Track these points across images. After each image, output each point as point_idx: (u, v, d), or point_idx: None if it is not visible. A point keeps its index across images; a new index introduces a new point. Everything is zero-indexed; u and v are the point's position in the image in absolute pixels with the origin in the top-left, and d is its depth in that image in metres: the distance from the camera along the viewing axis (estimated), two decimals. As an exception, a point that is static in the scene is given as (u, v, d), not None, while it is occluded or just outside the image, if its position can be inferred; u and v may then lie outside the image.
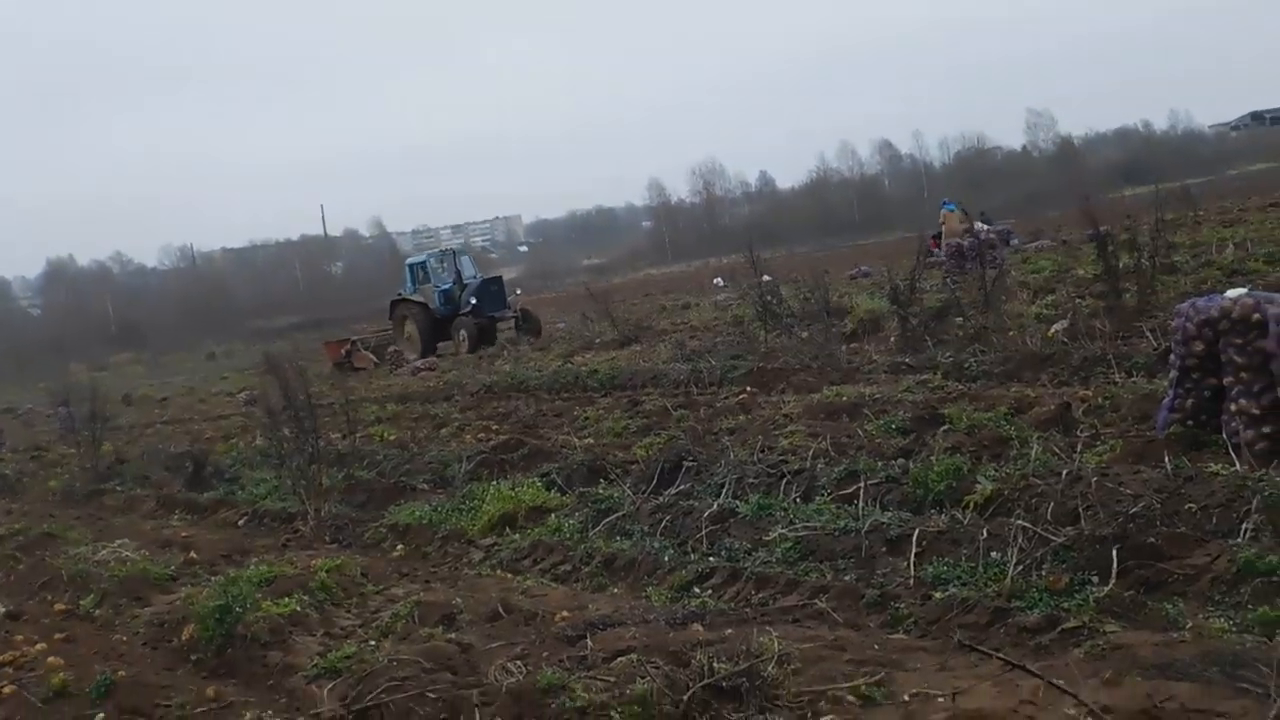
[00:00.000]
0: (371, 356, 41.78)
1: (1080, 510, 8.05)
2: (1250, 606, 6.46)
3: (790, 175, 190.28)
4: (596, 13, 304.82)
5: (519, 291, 46.82)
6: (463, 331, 40.49)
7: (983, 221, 34.01)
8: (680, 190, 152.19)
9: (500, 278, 46.03)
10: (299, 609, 9.06)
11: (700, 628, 7.54)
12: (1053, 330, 16.77)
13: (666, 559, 9.30)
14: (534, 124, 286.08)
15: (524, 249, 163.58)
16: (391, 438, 18.21)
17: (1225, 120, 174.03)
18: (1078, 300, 19.58)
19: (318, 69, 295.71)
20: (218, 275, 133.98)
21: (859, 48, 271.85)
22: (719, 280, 59.79)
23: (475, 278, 43.88)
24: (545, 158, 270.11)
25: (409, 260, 48.43)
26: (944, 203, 51.31)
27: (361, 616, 9.27)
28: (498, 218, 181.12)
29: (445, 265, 44.52)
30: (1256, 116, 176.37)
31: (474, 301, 41.20)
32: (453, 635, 7.99)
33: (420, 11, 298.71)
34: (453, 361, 35.92)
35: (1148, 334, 15.04)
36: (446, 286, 42.99)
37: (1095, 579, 7.06)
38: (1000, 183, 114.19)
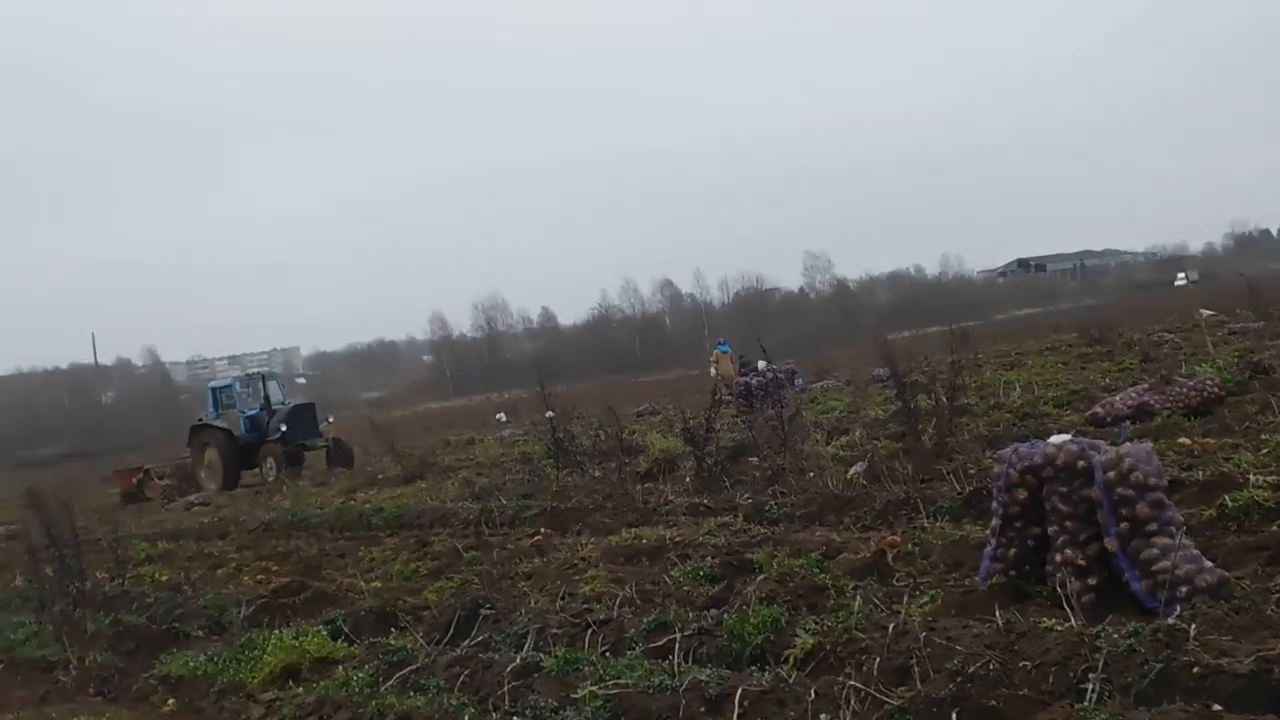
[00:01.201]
0: (168, 483, 39.89)
1: (912, 669, 7.62)
2: (1104, 776, 6.08)
3: (573, 312, 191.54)
4: (369, 141, 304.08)
5: (330, 419, 45.52)
6: (270, 459, 39.12)
7: (763, 360, 33.99)
8: (462, 324, 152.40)
9: (313, 405, 44.67)
10: (58, 774, 8.20)
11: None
12: (852, 472, 16.54)
13: (466, 718, 8.62)
14: (312, 253, 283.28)
15: (302, 381, 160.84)
16: (164, 578, 17.19)
17: (993, 267, 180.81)
18: (874, 441, 19.46)
19: (77, 185, 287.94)
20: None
21: (638, 184, 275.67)
22: (501, 415, 59.41)
23: (284, 404, 42.89)
24: (324, 289, 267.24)
25: (212, 384, 46.93)
26: (719, 343, 51.88)
27: (128, 783, 8.43)
28: (275, 349, 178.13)
29: (252, 390, 43.21)
30: (1023, 264, 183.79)
31: (284, 428, 39.97)
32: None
33: (190, 135, 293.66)
34: (228, 497, 34.65)
35: (949, 476, 14.88)
36: (253, 412, 41.74)
37: (935, 746, 6.64)
38: (779, 322, 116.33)
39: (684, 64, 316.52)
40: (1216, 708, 6.42)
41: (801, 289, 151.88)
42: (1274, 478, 11.65)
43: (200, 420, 43.25)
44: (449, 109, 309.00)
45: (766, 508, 15.22)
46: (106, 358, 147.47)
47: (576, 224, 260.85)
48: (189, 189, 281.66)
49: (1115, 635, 7.34)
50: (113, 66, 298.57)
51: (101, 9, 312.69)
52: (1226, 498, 10.82)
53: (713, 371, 48.84)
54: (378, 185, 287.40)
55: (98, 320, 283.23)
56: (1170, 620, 7.60)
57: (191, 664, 11.48)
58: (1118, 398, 19.06)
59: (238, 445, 40.86)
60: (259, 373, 46.26)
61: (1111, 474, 8.51)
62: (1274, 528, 10.03)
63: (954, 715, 6.71)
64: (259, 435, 40.94)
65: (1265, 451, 13.47)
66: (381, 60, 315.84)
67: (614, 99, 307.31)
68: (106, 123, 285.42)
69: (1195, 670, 6.83)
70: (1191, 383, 18.66)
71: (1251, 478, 11.60)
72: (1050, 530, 8.95)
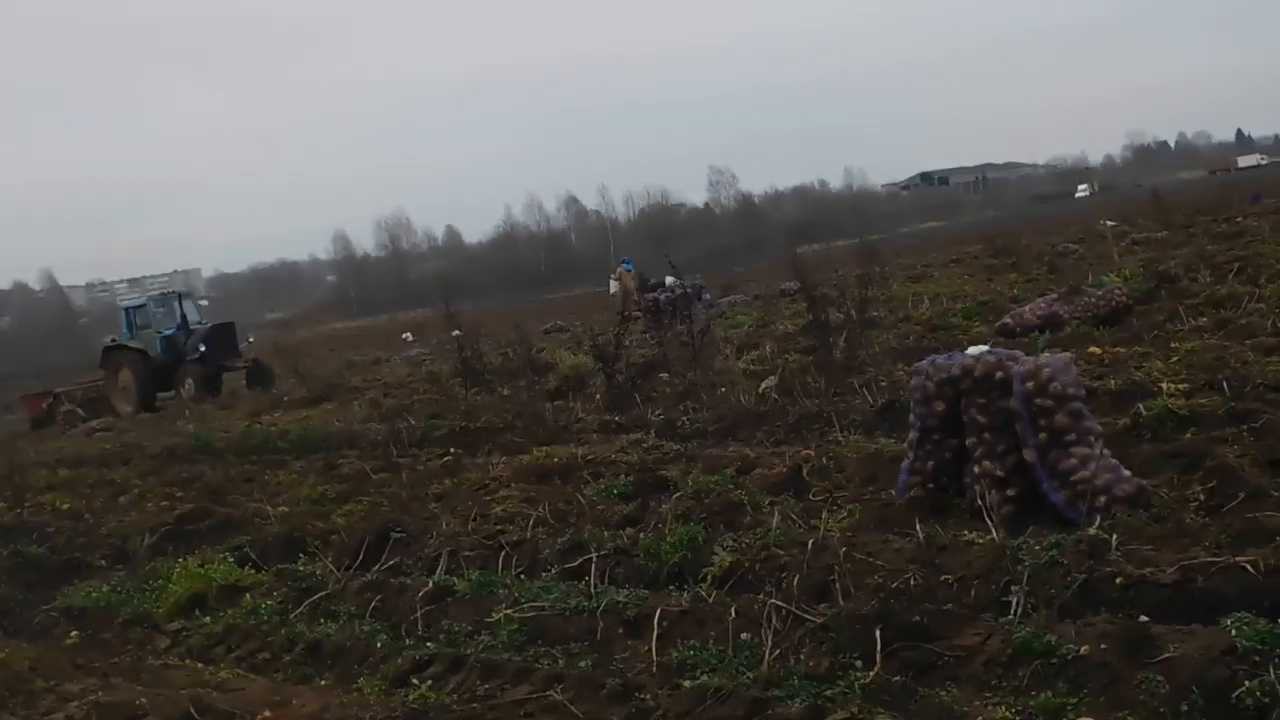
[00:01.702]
0: (77, 410, 38.42)
1: (833, 585, 7.51)
2: (1031, 692, 5.98)
3: (479, 231, 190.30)
4: (270, 62, 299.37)
5: (250, 340, 44.54)
6: (189, 380, 38.14)
7: (673, 277, 33.80)
8: (366, 244, 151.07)
9: (233, 324, 43.15)
10: (-47, 712, 7.93)
11: (424, 728, 6.76)
12: (764, 386, 16.41)
13: (379, 645, 8.43)
14: (210, 172, 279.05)
15: (204, 303, 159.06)
16: (65, 507, 16.73)
17: (896, 180, 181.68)
18: (785, 356, 19.36)
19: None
20: None
21: (543, 104, 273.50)
22: (408, 335, 58.92)
23: (202, 323, 41.57)
24: (224, 208, 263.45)
25: (125, 303, 45.44)
26: (623, 261, 51.69)
27: (29, 720, 8.16)
28: (176, 271, 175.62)
29: (167, 310, 41.70)
30: (925, 177, 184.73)
31: (203, 348, 38.92)
32: (138, 744, 7.02)
33: (89, 57, 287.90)
34: (130, 422, 34.01)
35: (861, 390, 14.79)
36: (170, 332, 40.31)
37: (859, 663, 6.52)
38: (685, 238, 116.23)
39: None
40: (1143, 618, 6.37)
41: (707, 204, 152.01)
42: (1186, 386, 11.68)
43: (113, 341, 41.91)
44: (352, 26, 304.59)
45: (679, 424, 15.12)
46: (3, 282, 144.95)
47: (481, 143, 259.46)
48: (87, 112, 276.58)
49: (1037, 547, 7.29)
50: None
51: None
52: (1140, 406, 10.81)
53: (613, 289, 48.75)
54: (278, 105, 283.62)
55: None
56: (1091, 531, 7.55)
57: (94, 595, 11.20)
58: (1027, 309, 19.10)
59: (153, 366, 39.59)
60: (175, 292, 44.74)
61: (1030, 384, 8.43)
62: (1187, 436, 10.04)
63: (878, 632, 6.60)
64: (175, 356, 39.72)
65: (1175, 360, 13.50)
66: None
67: (521, 13, 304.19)
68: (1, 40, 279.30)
69: (1118, 581, 6.81)
70: (1100, 292, 18.69)
71: (1164, 386, 11.61)
72: (968, 442, 8.86)
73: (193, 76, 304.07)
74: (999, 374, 8.64)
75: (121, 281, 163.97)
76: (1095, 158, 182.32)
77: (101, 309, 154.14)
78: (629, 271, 47.25)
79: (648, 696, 6.70)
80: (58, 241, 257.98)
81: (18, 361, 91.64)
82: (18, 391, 47.32)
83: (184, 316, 41.26)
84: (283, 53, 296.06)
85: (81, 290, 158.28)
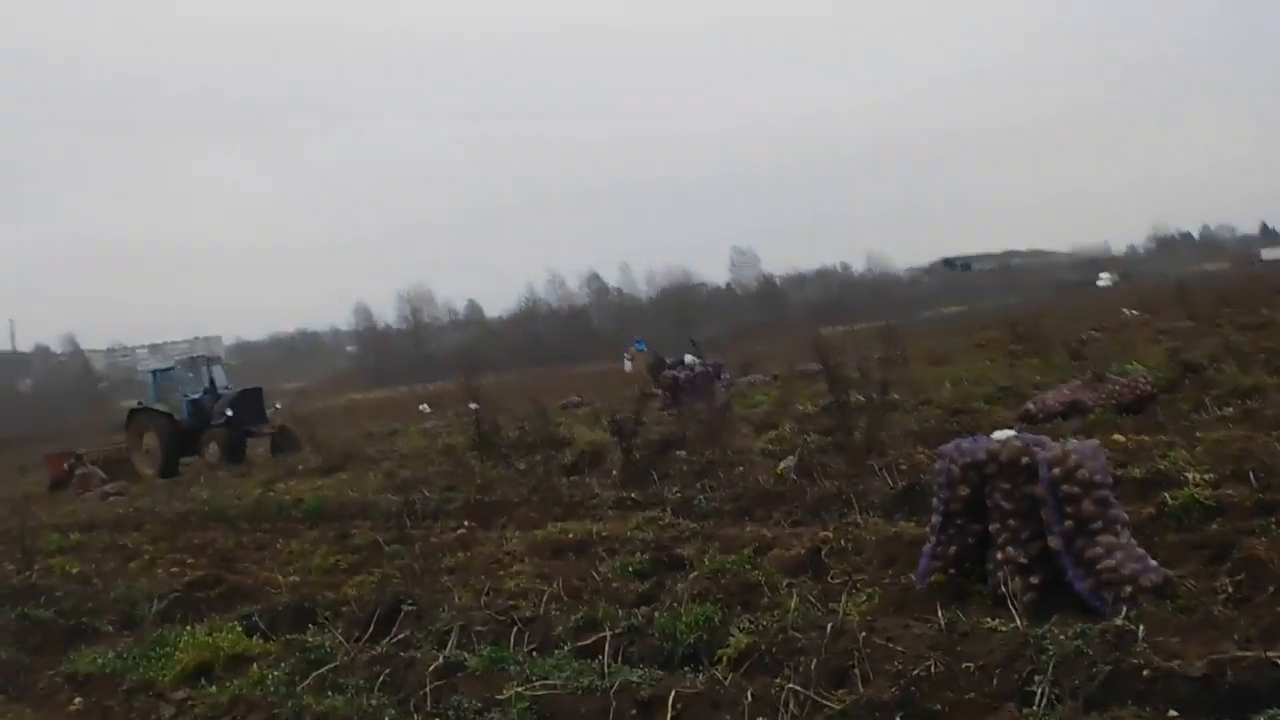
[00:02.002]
0: (98, 471, 38.03)
1: (852, 670, 7.33)
2: (1057, 786, 5.81)
3: (500, 305, 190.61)
4: (291, 132, 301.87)
5: (278, 406, 44.42)
6: (213, 444, 38.14)
7: (694, 354, 33.80)
8: (388, 316, 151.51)
9: (260, 390, 43.09)
10: (-48, 780, 7.77)
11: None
12: (782, 466, 16.29)
13: (387, 720, 8.28)
14: (231, 240, 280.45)
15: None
16: (74, 571, 16.63)
17: (919, 265, 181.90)
18: (804, 436, 19.21)
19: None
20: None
21: (566, 180, 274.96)
22: (425, 407, 58.90)
23: (229, 388, 41.49)
24: (246, 277, 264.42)
25: (152, 367, 45.92)
26: (636, 341, 51.88)
27: (29, 788, 8.01)
28: (197, 338, 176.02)
29: (196, 374, 41.93)
30: (948, 262, 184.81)
31: (229, 413, 38.97)
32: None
33: (106, 115, 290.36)
34: (145, 486, 33.94)
35: (881, 472, 14.63)
36: (197, 396, 40.64)
37: (878, 752, 6.35)
38: (706, 318, 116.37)
39: (611, 60, 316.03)
40: (1172, 713, 6.20)
41: (728, 285, 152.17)
42: (1212, 475, 11.50)
43: (139, 404, 42.01)
44: (378, 101, 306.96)
45: (695, 502, 14.98)
46: (25, 345, 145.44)
47: (504, 218, 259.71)
48: (109, 180, 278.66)
49: (1061, 636, 7.09)
50: (28, 56, 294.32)
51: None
52: (1167, 496, 10.62)
53: (627, 367, 48.88)
54: (300, 177, 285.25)
55: (16, 307, 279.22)
56: (1117, 621, 7.36)
57: (100, 661, 11.06)
58: (1050, 395, 18.93)
59: (179, 430, 39.80)
60: (204, 356, 45.16)
61: (1057, 471, 8.28)
62: (1213, 526, 9.85)
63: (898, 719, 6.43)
64: (202, 420, 39.86)
65: (1201, 449, 13.32)
66: (301, 55, 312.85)
67: (543, 93, 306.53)
68: (27, 111, 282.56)
69: (1145, 673, 6.61)
70: (1124, 380, 18.54)
71: (1190, 475, 11.43)
72: (992, 528, 8.70)
73: (218, 146, 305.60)
74: (1025, 459, 8.49)
75: (142, 347, 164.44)
76: (1118, 247, 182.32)
77: (121, 373, 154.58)
78: (640, 352, 47.43)
79: (661, 781, 6.55)
80: (79, 306, 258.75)
81: (39, 424, 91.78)
82: (39, 453, 47.26)
83: (212, 381, 41.32)
84: (308, 125, 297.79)
85: (102, 355, 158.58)
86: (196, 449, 39.21)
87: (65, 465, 40.36)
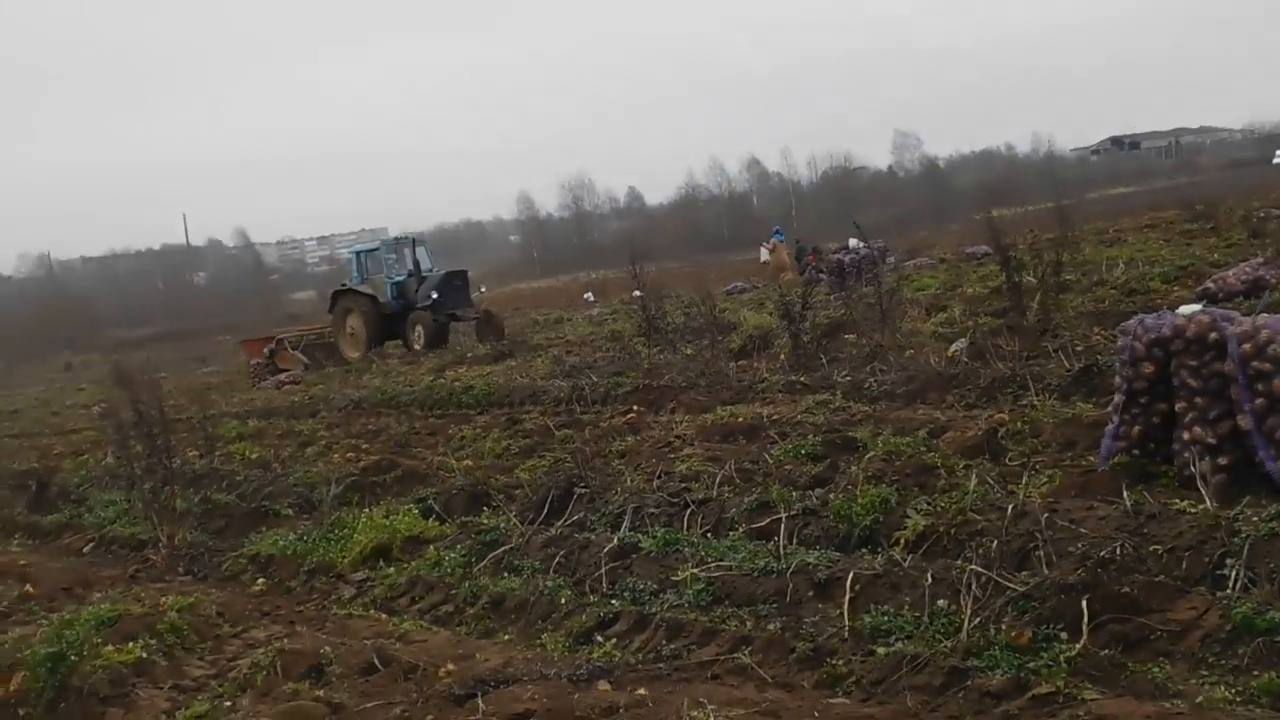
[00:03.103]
0: (301, 356, 38.39)
1: (1035, 553, 7.18)
2: (1253, 672, 5.63)
3: (660, 192, 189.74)
4: (457, 23, 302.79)
5: (483, 289, 43.09)
6: (419, 327, 36.73)
7: (857, 239, 33.31)
8: (549, 205, 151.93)
9: (465, 272, 40.85)
10: (145, 655, 7.96)
11: (608, 686, 6.62)
12: (953, 349, 16.03)
13: (563, 601, 8.30)
14: (398, 135, 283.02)
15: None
16: (253, 457, 16.99)
17: (1086, 145, 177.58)
18: (975, 318, 18.89)
19: (170, 74, 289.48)
20: (77, 284, 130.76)
21: (728, 65, 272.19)
22: (589, 295, 59.06)
23: (434, 270, 39.89)
24: (411, 173, 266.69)
25: (356, 248, 43.51)
26: (775, 230, 51.09)
27: (217, 665, 8.19)
28: (364, 229, 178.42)
29: (400, 255, 40.19)
30: (1116, 141, 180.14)
31: (435, 296, 37.34)
32: (321, 692, 6.97)
33: (271, 16, 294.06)
34: (319, 375, 34.44)
35: (1056, 354, 14.33)
36: (401, 278, 38.95)
37: (1064, 635, 6.20)
38: (869, 202, 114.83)
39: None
40: (1375, 594, 5.96)
41: (890, 168, 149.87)
42: None
43: (343, 285, 40.77)
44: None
45: (866, 385, 14.79)
46: (198, 239, 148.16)
47: (664, 104, 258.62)
48: (276, 77, 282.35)
49: (1255, 518, 6.88)
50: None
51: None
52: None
53: (764, 257, 48.24)
54: (466, 71, 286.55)
55: (189, 202, 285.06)
56: (1313, 502, 7.11)
57: (281, 543, 11.29)
58: (1230, 273, 18.38)
59: (382, 313, 38.36)
60: (409, 237, 42.40)
61: (1247, 346, 7.97)
62: None
63: (1084, 603, 6.28)
64: (406, 303, 38.33)
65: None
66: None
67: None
68: (192, 9, 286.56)
69: (1345, 553, 6.37)
70: (1310, 256, 17.93)
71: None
72: (1178, 407, 8.42)
73: (384, 41, 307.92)
74: (1213, 335, 8.19)
75: (311, 239, 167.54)
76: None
77: (291, 265, 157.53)
78: (780, 242, 46.74)
79: (840, 662, 6.50)
80: (250, 202, 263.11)
81: (211, 317, 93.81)
82: (214, 344, 47.97)
83: (416, 262, 39.73)
84: (473, 20, 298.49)
85: (273, 248, 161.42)
86: (400, 333, 37.92)
87: (265, 350, 39.94)
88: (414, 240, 41.62)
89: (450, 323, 37.80)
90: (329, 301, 41.36)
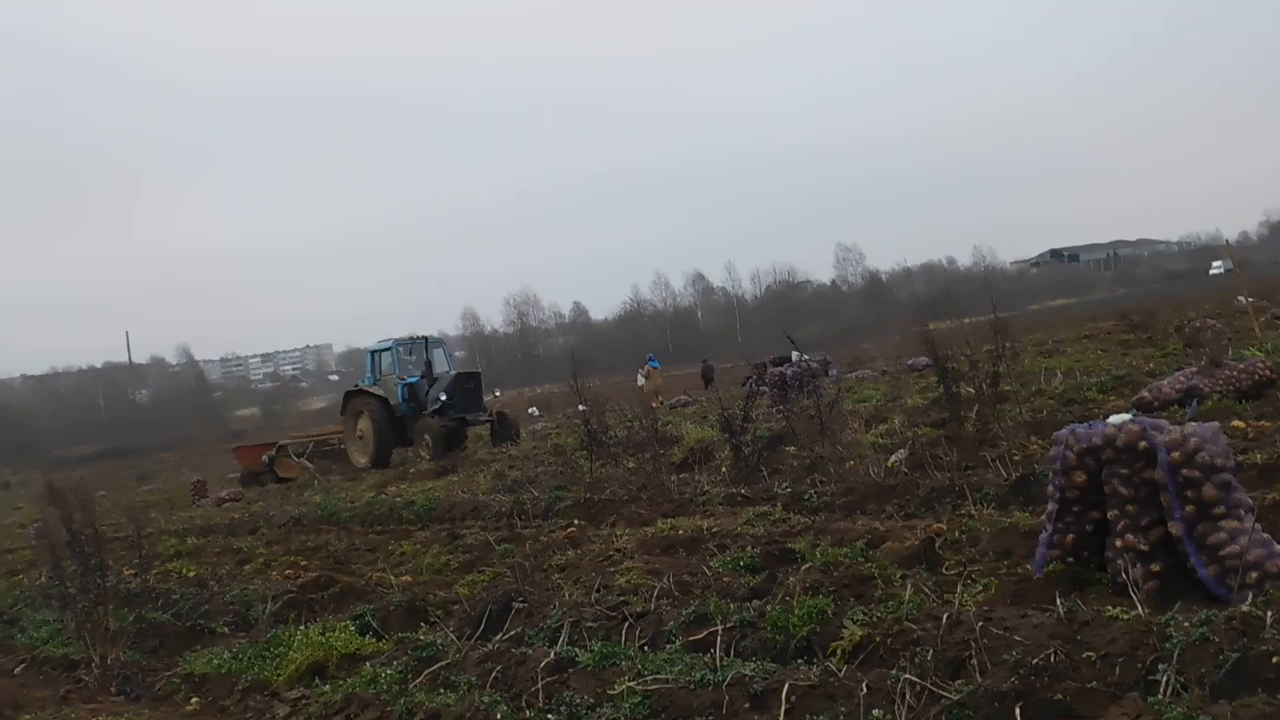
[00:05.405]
0: (307, 464, 37.42)
1: (969, 661, 7.19)
2: (1186, 777, 5.64)
3: (605, 307, 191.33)
4: (394, 141, 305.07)
5: (498, 393, 42.14)
6: (426, 436, 35.17)
7: (795, 350, 33.61)
8: (494, 320, 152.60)
9: (479, 374, 39.62)
10: (74, 778, 7.84)
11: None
12: (893, 460, 16.13)
13: (499, 716, 8.20)
14: (341, 248, 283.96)
15: (335, 378, 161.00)
16: (191, 574, 16.83)
17: (1026, 257, 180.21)
18: (915, 429, 19.02)
19: (109, 189, 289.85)
20: (17, 401, 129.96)
21: (674, 182, 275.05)
22: (534, 410, 59.17)
23: (448, 372, 38.82)
24: (353, 288, 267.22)
25: (371, 347, 41.22)
26: (649, 358, 51.58)
27: (146, 788, 8.06)
28: (308, 346, 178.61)
29: (414, 356, 39.05)
30: (1055, 254, 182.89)
31: (443, 398, 36.29)
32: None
33: (201, 138, 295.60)
34: (259, 492, 34.23)
35: (994, 463, 14.43)
36: (413, 379, 37.91)
37: (999, 743, 6.20)
38: (812, 315, 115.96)
39: (723, 68, 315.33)
40: (1305, 701, 5.99)
41: (834, 281, 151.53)
42: (1336, 460, 11.22)
43: (356, 386, 39.73)
44: (477, 110, 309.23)
45: (806, 496, 14.81)
46: (141, 356, 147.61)
47: (611, 222, 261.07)
48: (214, 190, 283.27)
49: (1186, 624, 6.90)
50: (134, 65, 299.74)
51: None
52: (1291, 481, 10.37)
53: (640, 382, 48.60)
54: (410, 187, 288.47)
55: (131, 319, 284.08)
56: (1244, 607, 7.14)
57: (216, 661, 11.14)
58: (1165, 382, 18.58)
59: (393, 416, 37.22)
60: (424, 337, 40.87)
61: (1176, 454, 8.06)
62: (1341, 511, 9.59)
63: (1018, 710, 6.28)
64: (417, 405, 37.21)
65: (1323, 434, 13.02)
66: (403, 65, 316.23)
67: (654, 115, 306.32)
68: (131, 125, 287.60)
69: (1275, 660, 6.40)
70: (1241, 365, 18.15)
71: (1313, 461, 11.16)
72: (1110, 514, 8.48)
73: (326, 156, 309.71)
74: (1143, 443, 8.27)
75: (255, 356, 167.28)
76: (1230, 234, 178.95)
77: (235, 382, 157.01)
78: (655, 369, 47.27)
79: (775, 774, 6.45)
80: (192, 316, 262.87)
81: (154, 435, 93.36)
82: (155, 461, 47.77)
83: (429, 363, 38.54)
84: (417, 134, 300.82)
85: (216, 365, 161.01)
86: (410, 440, 36.67)
87: (265, 457, 39.03)
88: (429, 340, 40.36)
89: (462, 428, 36.57)
90: (340, 404, 40.04)
